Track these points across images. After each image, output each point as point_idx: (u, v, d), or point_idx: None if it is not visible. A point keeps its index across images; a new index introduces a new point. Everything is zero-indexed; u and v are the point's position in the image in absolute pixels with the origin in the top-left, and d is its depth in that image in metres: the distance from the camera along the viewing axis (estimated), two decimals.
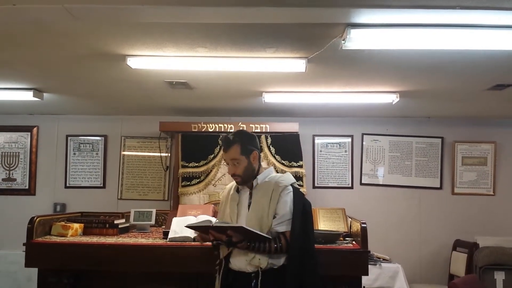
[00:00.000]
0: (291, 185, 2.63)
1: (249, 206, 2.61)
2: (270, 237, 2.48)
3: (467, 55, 3.25)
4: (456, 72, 3.75)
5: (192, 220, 3.40)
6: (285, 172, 4.97)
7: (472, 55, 3.26)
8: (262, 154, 5.01)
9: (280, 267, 2.53)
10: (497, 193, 5.72)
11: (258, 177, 2.66)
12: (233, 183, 2.79)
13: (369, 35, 2.70)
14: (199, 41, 3.07)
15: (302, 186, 5.04)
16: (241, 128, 4.93)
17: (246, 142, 2.64)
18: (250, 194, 2.64)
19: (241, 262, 2.53)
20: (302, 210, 2.57)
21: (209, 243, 2.73)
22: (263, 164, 4.62)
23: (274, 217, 2.53)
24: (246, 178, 2.63)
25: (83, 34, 2.98)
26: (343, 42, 2.78)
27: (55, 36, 3.02)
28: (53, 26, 2.84)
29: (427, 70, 3.70)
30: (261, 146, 4.92)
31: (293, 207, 2.56)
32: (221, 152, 5.10)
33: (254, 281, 2.47)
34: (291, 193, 2.59)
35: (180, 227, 3.30)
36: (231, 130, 5.21)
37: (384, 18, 2.58)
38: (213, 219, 3.07)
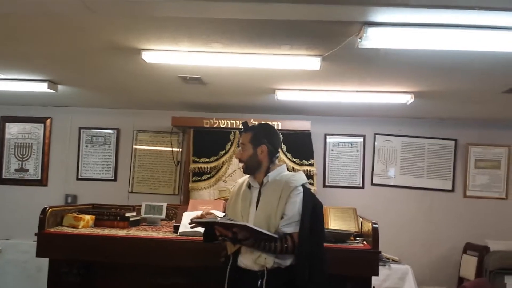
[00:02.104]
0: (302, 185, 2.58)
1: (257, 204, 2.59)
2: (276, 236, 2.45)
3: (484, 56, 3.20)
4: (472, 74, 3.71)
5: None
6: (296, 170, 4.96)
7: (489, 57, 3.21)
8: None
9: (287, 267, 2.50)
10: (510, 197, 5.65)
11: (269, 174, 2.62)
12: (244, 178, 2.78)
13: (386, 34, 2.67)
14: (214, 36, 3.07)
15: (312, 184, 5.01)
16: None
17: (260, 134, 2.66)
18: (259, 191, 2.62)
19: (248, 260, 2.51)
20: (312, 212, 2.53)
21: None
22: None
23: (282, 218, 2.50)
24: (249, 167, 2.63)
25: (98, 28, 2.99)
26: (359, 40, 2.75)
27: (70, 29, 3.04)
28: (69, 19, 2.85)
29: (443, 71, 3.66)
30: None
31: (302, 208, 2.51)
32: (232, 148, 5.24)
33: (260, 280, 2.45)
34: (301, 194, 2.54)
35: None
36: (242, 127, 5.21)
37: (401, 17, 2.55)
38: (220, 214, 3.06)
